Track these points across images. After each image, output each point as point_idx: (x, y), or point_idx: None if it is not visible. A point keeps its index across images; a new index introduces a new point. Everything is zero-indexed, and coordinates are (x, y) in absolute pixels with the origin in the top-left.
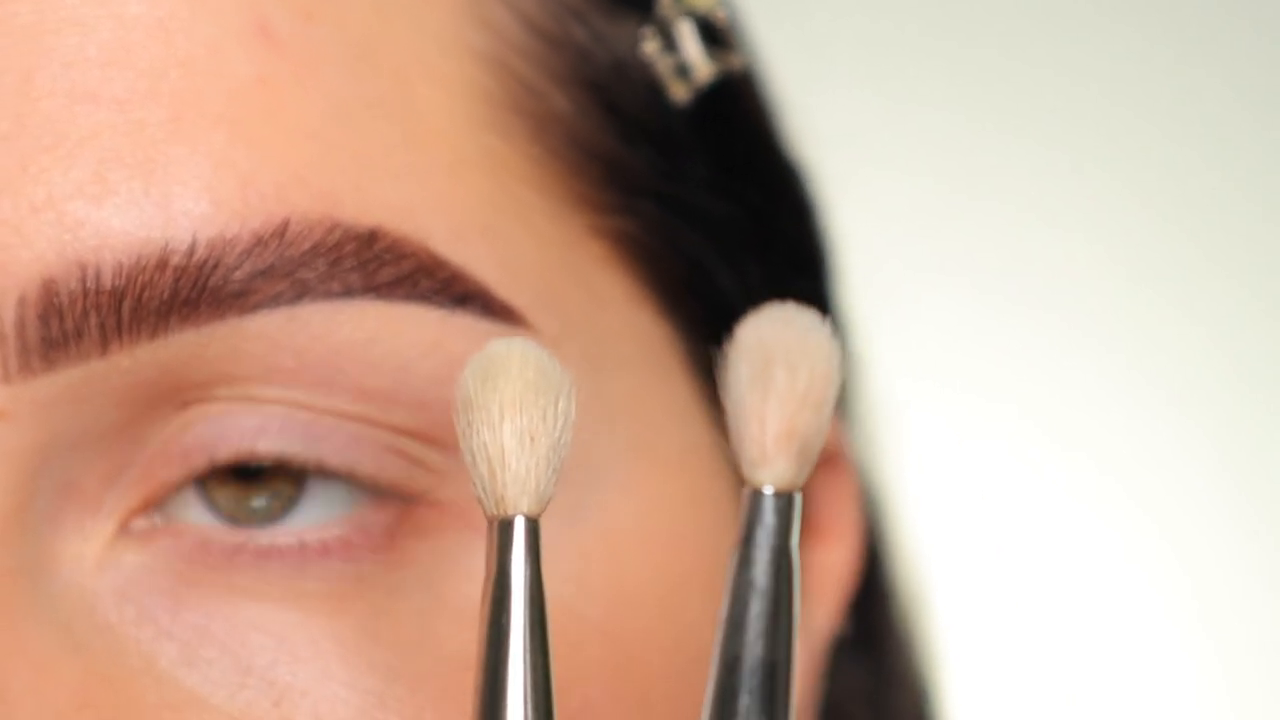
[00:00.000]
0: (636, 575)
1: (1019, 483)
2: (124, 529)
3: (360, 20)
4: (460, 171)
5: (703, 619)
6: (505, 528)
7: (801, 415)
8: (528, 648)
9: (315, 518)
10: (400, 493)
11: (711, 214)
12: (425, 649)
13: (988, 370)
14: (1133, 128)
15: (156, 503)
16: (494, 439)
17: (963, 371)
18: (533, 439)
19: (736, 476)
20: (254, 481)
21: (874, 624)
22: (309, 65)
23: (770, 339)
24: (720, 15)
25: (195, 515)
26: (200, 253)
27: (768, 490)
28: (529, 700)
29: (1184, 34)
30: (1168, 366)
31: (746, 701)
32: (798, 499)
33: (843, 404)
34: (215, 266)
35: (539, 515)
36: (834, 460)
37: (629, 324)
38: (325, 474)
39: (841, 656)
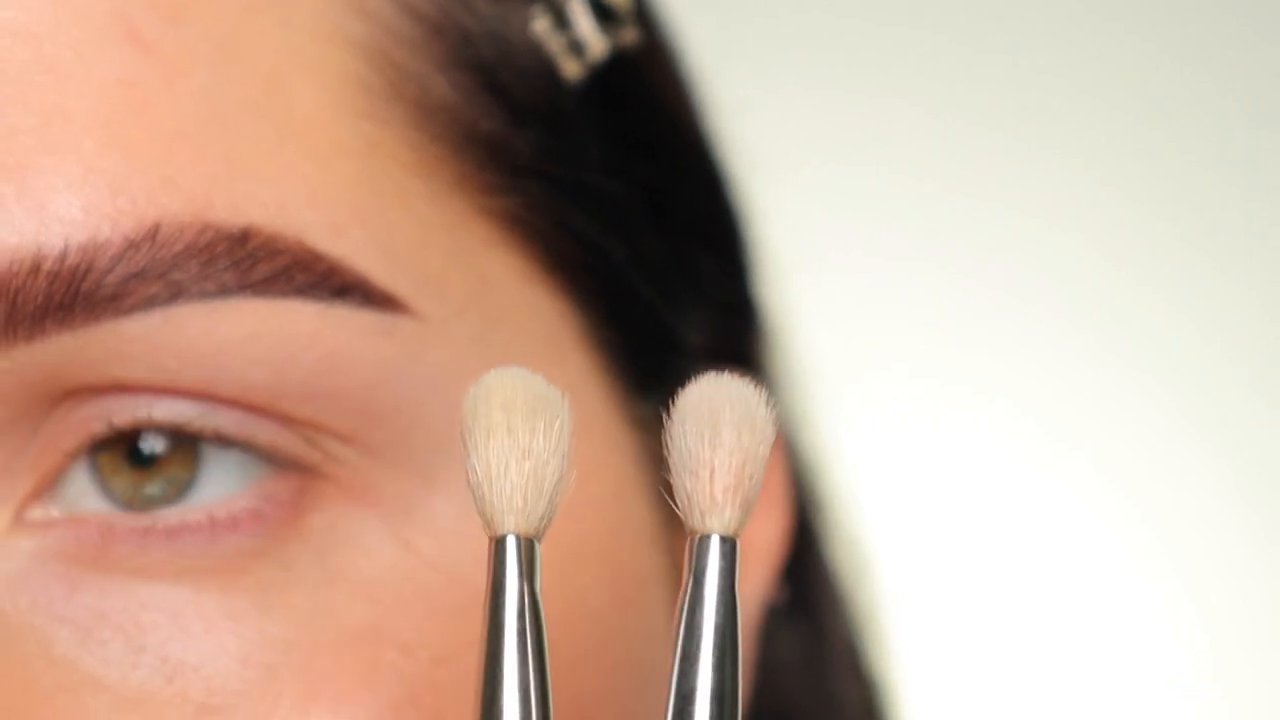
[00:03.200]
0: None
1: (999, 467)
2: (19, 519)
3: (230, 17)
4: (336, 162)
5: (595, 584)
6: (499, 545)
7: (746, 469)
8: (521, 663)
9: (218, 493)
10: (299, 464)
11: (602, 191)
12: (318, 622)
13: (962, 355)
14: (1121, 119)
15: (52, 482)
16: (481, 460)
17: (946, 361)
18: (520, 459)
19: (636, 450)
20: (148, 468)
21: (807, 588)
22: (178, 66)
23: (716, 399)
24: None
25: (93, 503)
26: (72, 257)
27: (715, 537)
28: (525, 713)
29: (1169, 25)
30: (1154, 357)
31: None
32: (738, 545)
33: (772, 380)
34: (88, 271)
35: (532, 535)
36: None
37: (519, 302)
38: (223, 441)
39: (777, 622)
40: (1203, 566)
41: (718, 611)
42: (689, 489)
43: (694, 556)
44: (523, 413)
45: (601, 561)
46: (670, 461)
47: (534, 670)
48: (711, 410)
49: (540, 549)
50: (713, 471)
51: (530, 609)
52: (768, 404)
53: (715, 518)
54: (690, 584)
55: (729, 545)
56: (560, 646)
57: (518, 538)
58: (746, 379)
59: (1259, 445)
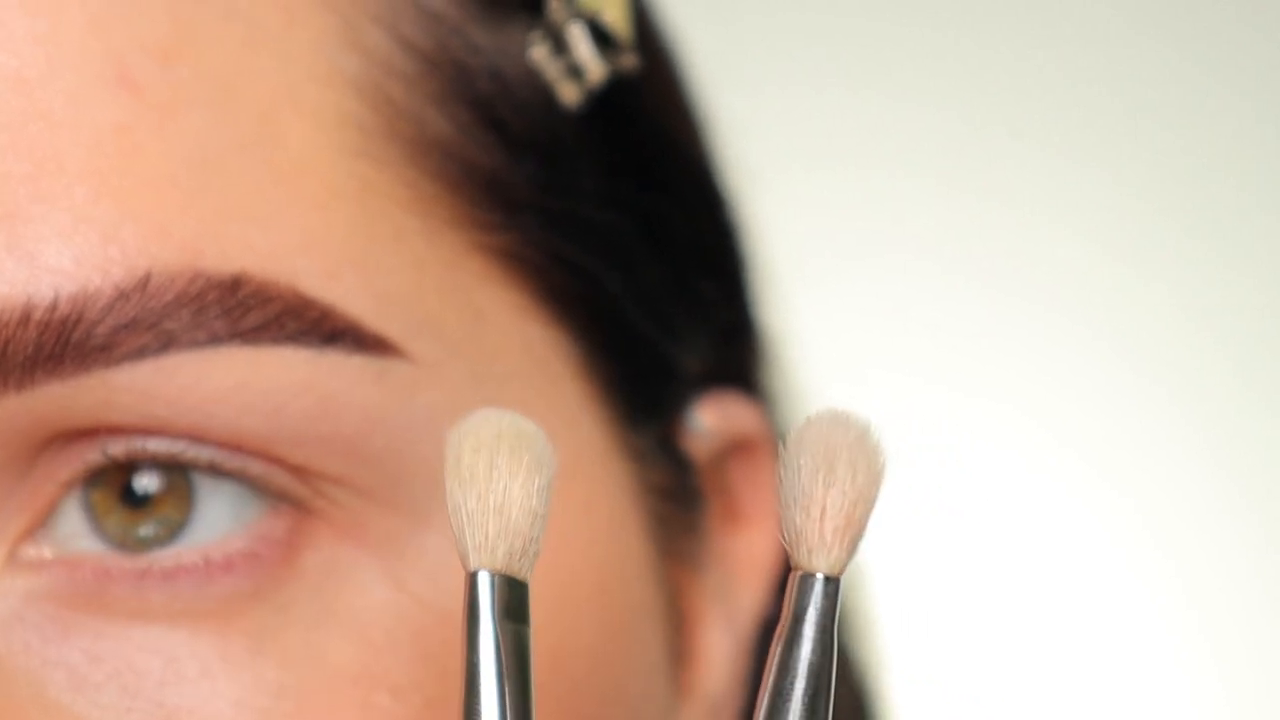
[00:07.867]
0: None
1: (998, 472)
2: (12, 559)
3: (224, 58)
4: (330, 204)
5: (587, 617)
6: (471, 580)
7: (858, 510)
8: (499, 693)
9: (211, 534)
10: (291, 498)
11: (599, 222)
12: (313, 664)
13: (962, 359)
14: (1123, 119)
15: (44, 520)
16: (464, 501)
17: (945, 365)
18: (501, 503)
19: (631, 482)
20: (141, 508)
21: None
22: (170, 110)
23: (833, 438)
24: (611, 16)
25: (86, 544)
26: (63, 308)
27: (819, 576)
28: None
29: (1170, 25)
30: (1156, 359)
31: None
32: (841, 584)
33: (765, 390)
34: (78, 321)
35: (515, 574)
36: (753, 447)
37: (515, 336)
38: (216, 471)
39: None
40: (1203, 570)
41: (814, 650)
42: (798, 526)
43: (796, 594)
44: (506, 454)
45: (594, 595)
46: (780, 494)
47: (514, 706)
48: (828, 449)
49: (529, 585)
50: (824, 510)
51: (499, 645)
52: (883, 446)
53: (822, 557)
54: (790, 621)
55: (833, 586)
56: (552, 680)
57: (491, 574)
58: (863, 419)
59: (1260, 448)
